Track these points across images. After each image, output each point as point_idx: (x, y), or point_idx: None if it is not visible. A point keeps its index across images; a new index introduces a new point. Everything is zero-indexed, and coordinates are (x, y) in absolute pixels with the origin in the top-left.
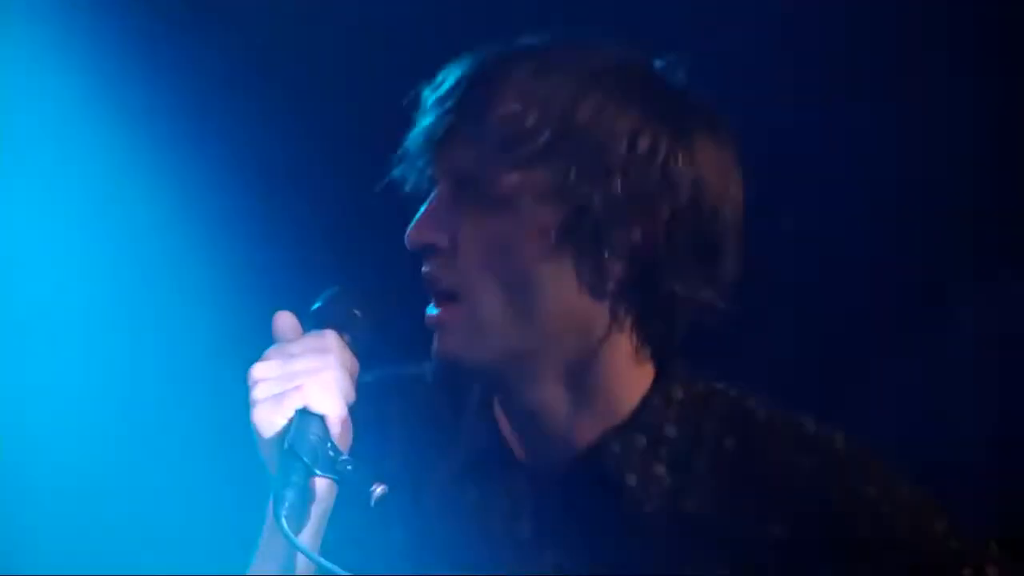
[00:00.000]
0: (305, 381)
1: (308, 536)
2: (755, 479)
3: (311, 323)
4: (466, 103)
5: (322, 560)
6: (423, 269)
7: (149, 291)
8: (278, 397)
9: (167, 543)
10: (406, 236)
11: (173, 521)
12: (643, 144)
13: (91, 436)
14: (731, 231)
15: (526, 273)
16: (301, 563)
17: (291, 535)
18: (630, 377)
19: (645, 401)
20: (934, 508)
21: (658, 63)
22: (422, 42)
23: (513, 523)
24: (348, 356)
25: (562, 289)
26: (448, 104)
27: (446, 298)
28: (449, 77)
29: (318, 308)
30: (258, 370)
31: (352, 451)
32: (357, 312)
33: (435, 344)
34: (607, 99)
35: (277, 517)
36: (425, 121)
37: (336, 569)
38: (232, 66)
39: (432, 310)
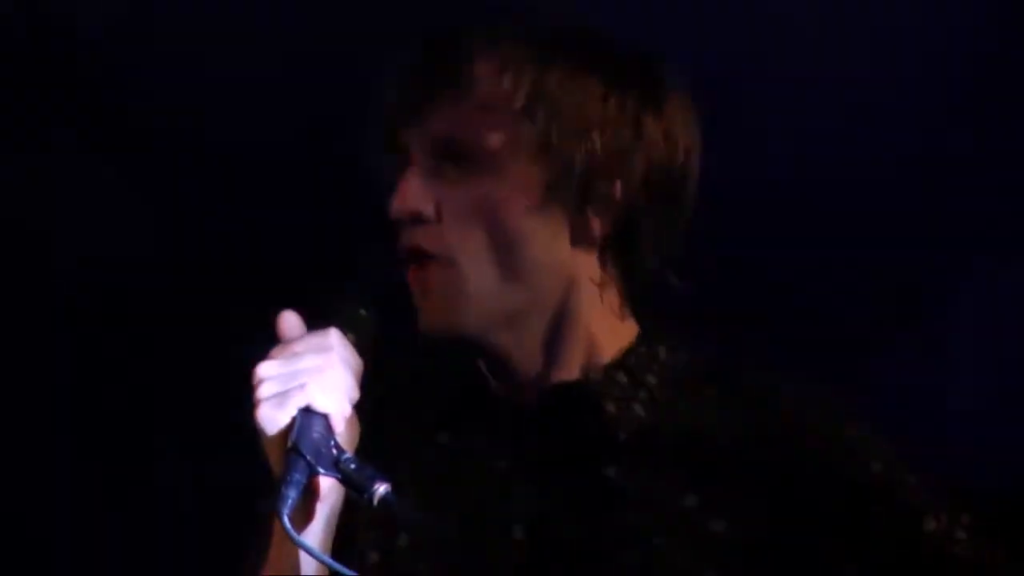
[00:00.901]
0: (309, 380)
1: (316, 535)
2: (732, 416)
3: (316, 322)
4: (438, 72)
5: (327, 559)
6: (405, 241)
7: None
8: (282, 396)
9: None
10: (390, 207)
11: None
12: (614, 102)
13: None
14: (694, 183)
15: (514, 231)
16: (308, 564)
17: (295, 534)
18: (614, 331)
19: (629, 350)
20: (908, 465)
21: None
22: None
23: (491, 459)
24: (352, 355)
25: (550, 245)
26: (419, 75)
27: (428, 257)
28: (415, 54)
29: (323, 307)
30: (262, 369)
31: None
32: (362, 311)
33: (422, 314)
34: (575, 64)
35: (280, 516)
36: (396, 95)
37: (343, 569)
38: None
39: (416, 270)
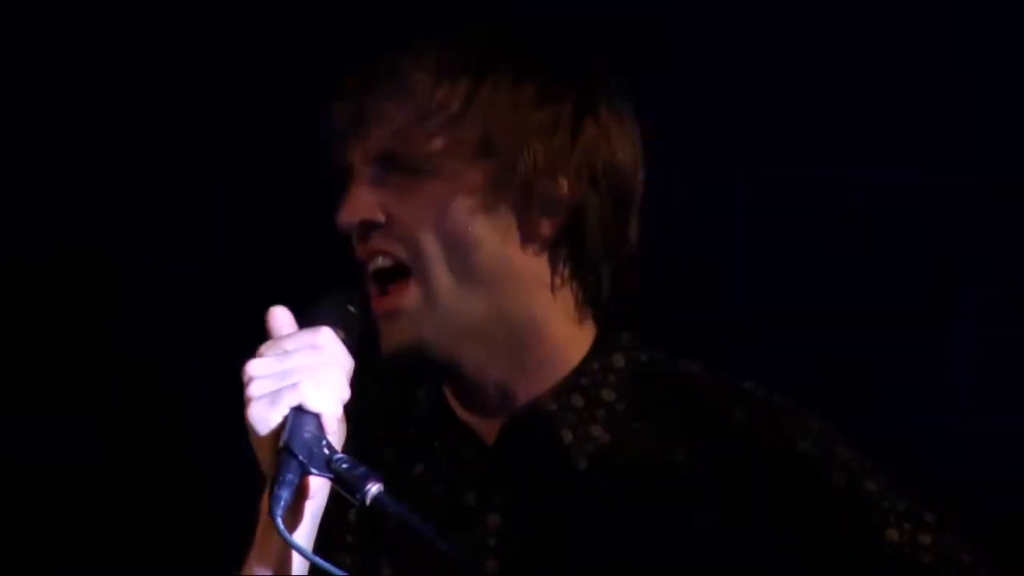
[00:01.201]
0: (301, 379)
1: (302, 535)
2: (690, 435)
3: (306, 319)
4: (374, 86)
5: (318, 559)
6: (360, 250)
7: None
8: (273, 395)
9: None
10: (337, 220)
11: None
12: (550, 107)
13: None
14: (638, 187)
15: (463, 233)
16: (296, 563)
17: (287, 534)
18: (569, 341)
19: (584, 365)
20: (869, 468)
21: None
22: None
23: (457, 491)
24: (343, 353)
25: (500, 247)
26: (355, 92)
27: (393, 278)
28: (350, 74)
29: (313, 304)
30: (252, 367)
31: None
32: (352, 308)
33: (386, 335)
34: (510, 72)
35: (273, 516)
36: (335, 114)
37: (332, 569)
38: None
39: (383, 297)
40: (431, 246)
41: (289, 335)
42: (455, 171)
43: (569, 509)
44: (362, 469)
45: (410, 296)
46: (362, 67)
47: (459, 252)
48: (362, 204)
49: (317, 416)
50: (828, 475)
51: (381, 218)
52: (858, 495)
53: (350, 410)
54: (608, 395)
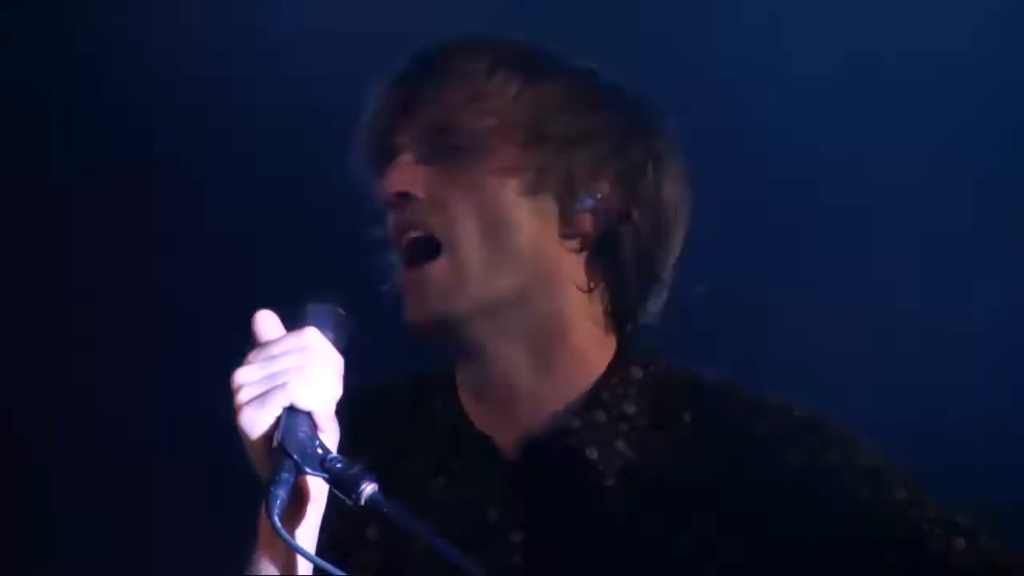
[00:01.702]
0: (289, 379)
1: (304, 536)
2: (714, 449)
3: (293, 322)
4: (429, 69)
5: (318, 560)
6: (394, 220)
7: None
8: (263, 397)
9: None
10: (381, 189)
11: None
12: (603, 115)
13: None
14: (680, 222)
15: (504, 215)
16: (302, 564)
17: (286, 534)
18: (594, 346)
19: (604, 379)
20: (897, 477)
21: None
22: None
23: (479, 507)
24: (332, 352)
25: (537, 233)
26: (410, 75)
27: (424, 253)
28: (402, 65)
29: (300, 306)
30: (240, 375)
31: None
32: (340, 310)
33: (410, 306)
34: (563, 73)
35: (271, 517)
36: (387, 97)
37: (333, 569)
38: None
39: (411, 269)
40: (468, 223)
41: (275, 339)
42: (502, 152)
43: (596, 525)
44: (356, 469)
45: (440, 270)
46: (416, 55)
47: (496, 232)
48: (404, 177)
49: (309, 416)
50: (854, 487)
51: (421, 192)
52: (887, 505)
53: (363, 424)
54: (629, 409)
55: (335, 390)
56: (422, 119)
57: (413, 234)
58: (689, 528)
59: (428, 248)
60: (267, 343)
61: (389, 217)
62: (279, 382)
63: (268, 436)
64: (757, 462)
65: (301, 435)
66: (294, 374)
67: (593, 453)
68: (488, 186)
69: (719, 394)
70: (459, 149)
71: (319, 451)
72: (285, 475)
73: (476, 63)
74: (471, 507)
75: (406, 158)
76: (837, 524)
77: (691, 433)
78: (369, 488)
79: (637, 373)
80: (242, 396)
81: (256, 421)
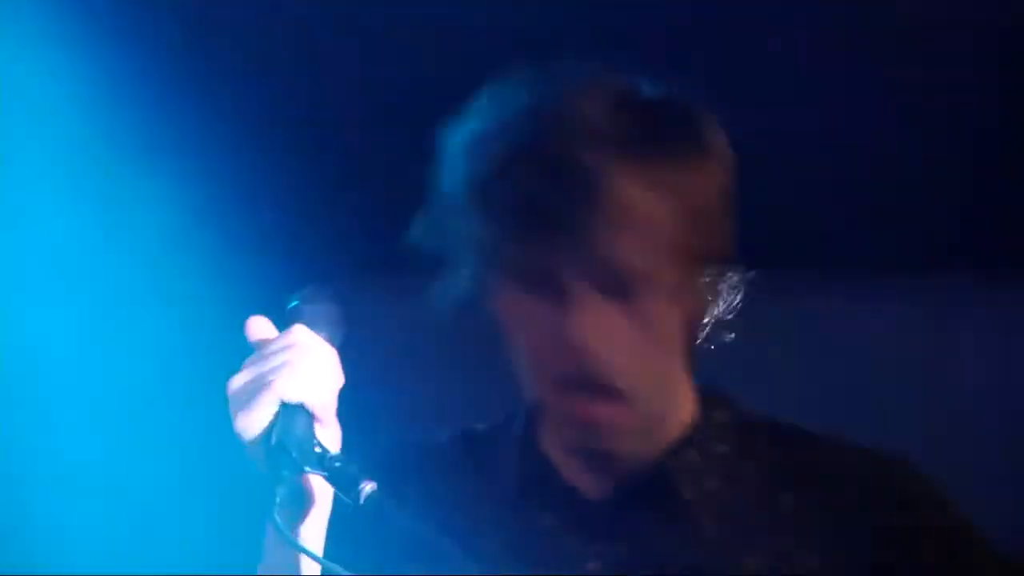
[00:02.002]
0: (274, 377)
1: (309, 536)
2: (805, 487)
3: (285, 323)
4: (579, 189)
5: (321, 558)
6: (575, 370)
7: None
8: (251, 399)
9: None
10: (562, 336)
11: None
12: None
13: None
14: None
15: (674, 351)
16: (305, 565)
17: (287, 533)
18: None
19: (694, 423)
20: (973, 526)
21: None
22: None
23: (582, 560)
24: (320, 343)
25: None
26: (555, 193)
27: (608, 395)
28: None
29: (292, 307)
30: (232, 383)
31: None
32: (332, 308)
33: (590, 440)
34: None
35: (271, 515)
36: (529, 212)
37: (339, 569)
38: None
39: (588, 404)
40: (649, 376)
41: (267, 343)
42: (667, 287)
43: (690, 565)
44: (355, 468)
45: (626, 418)
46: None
47: (671, 373)
48: (592, 330)
49: (307, 414)
50: (935, 515)
51: (608, 351)
52: (962, 536)
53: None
54: (722, 449)
55: (330, 382)
56: (598, 254)
57: (593, 379)
58: (791, 565)
59: (607, 392)
60: (259, 349)
61: (567, 360)
62: (265, 381)
63: (264, 437)
64: (847, 499)
65: (299, 433)
66: (279, 371)
67: (688, 493)
68: (661, 330)
69: (804, 436)
70: (627, 291)
71: (316, 449)
72: (285, 473)
73: (624, 178)
74: (572, 558)
75: (584, 300)
76: (928, 552)
77: (782, 472)
78: (368, 487)
79: (722, 416)
80: (232, 404)
81: (249, 423)
